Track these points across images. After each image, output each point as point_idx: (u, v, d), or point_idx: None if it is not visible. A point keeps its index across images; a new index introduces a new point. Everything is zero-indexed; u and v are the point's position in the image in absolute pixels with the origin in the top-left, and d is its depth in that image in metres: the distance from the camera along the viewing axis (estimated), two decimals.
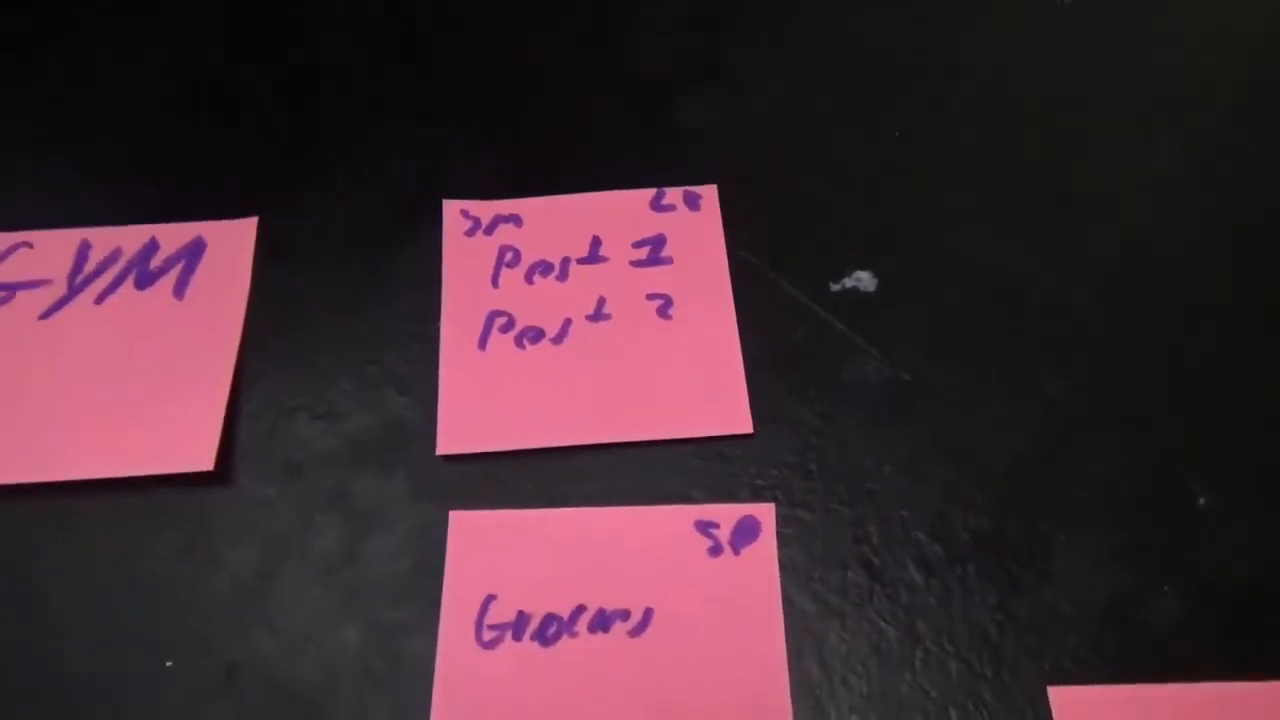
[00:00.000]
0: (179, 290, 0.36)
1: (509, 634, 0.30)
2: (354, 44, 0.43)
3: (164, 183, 0.39)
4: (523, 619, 0.30)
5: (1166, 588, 0.31)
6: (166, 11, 0.44)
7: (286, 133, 0.40)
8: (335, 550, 0.32)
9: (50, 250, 0.37)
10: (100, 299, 0.36)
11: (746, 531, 0.32)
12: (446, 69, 0.42)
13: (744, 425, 0.33)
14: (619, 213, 0.38)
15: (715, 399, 0.34)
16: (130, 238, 0.37)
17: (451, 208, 0.38)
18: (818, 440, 0.33)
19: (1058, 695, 0.29)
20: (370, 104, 0.41)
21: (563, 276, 0.36)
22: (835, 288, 0.36)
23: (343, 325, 0.36)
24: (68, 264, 0.36)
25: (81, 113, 0.41)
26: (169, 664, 0.30)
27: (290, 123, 0.40)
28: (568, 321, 0.35)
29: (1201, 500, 0.32)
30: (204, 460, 0.32)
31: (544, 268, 0.36)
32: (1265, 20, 0.43)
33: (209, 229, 0.37)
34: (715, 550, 0.31)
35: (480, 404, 0.34)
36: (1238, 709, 0.29)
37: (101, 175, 0.39)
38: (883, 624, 0.30)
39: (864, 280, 0.36)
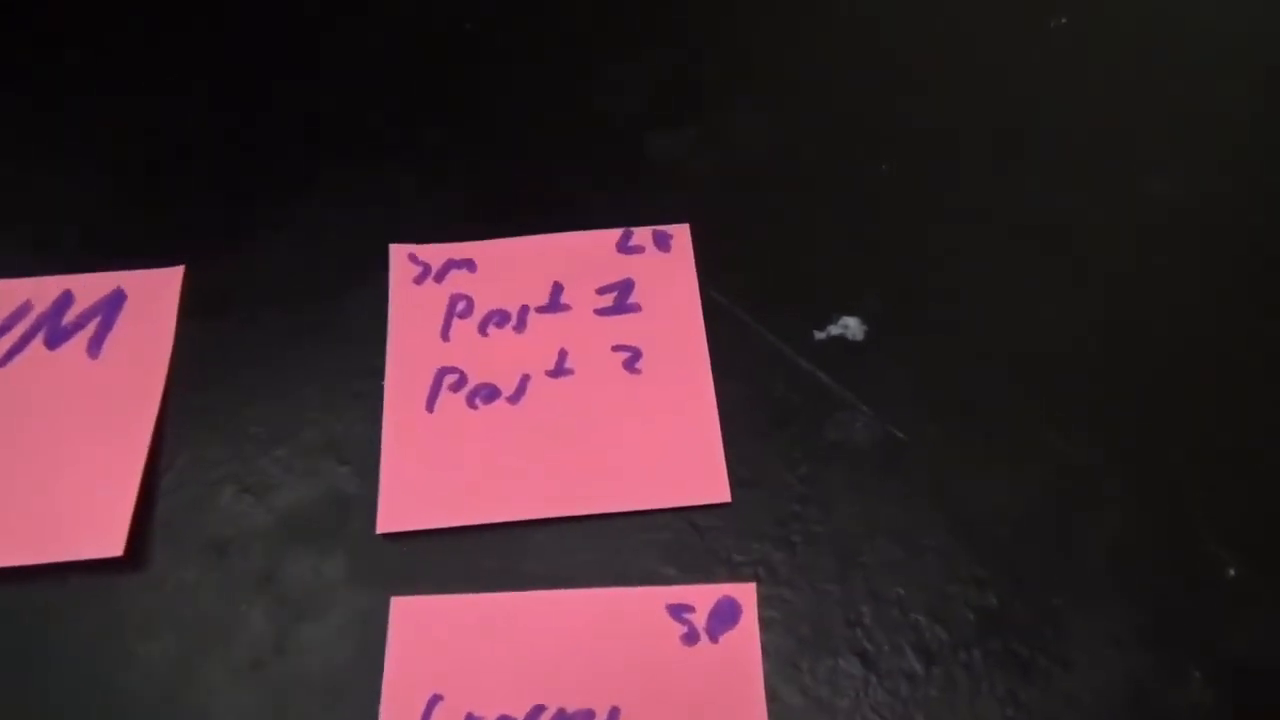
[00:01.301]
0: (93, 348, 0.32)
1: None
2: (295, 78, 0.39)
3: (82, 229, 0.35)
4: None
5: (1196, 673, 0.27)
6: (95, 49, 0.40)
7: (219, 175, 0.37)
8: (263, 642, 0.28)
9: None
10: (4, 360, 0.32)
11: (725, 615, 0.28)
12: (396, 103, 0.39)
13: (721, 494, 0.30)
14: (582, 255, 0.34)
15: (689, 464, 0.30)
16: (41, 290, 0.34)
17: (399, 252, 0.34)
18: (802, 508, 0.30)
19: None
20: (313, 142, 0.38)
21: (520, 327, 0.33)
22: (820, 336, 0.33)
23: (277, 384, 0.32)
24: None
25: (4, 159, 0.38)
26: None
27: (223, 164, 0.37)
28: (525, 378, 0.32)
29: (1232, 571, 0.29)
30: (114, 545, 0.29)
31: (500, 318, 0.33)
32: (1260, 41, 0.41)
33: (129, 279, 0.34)
34: (690, 637, 0.28)
35: (427, 474, 0.30)
36: None
37: (11, 222, 0.36)
38: (873, 707, 0.27)
39: (851, 327, 0.33)
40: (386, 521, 0.29)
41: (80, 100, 0.39)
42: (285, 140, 0.38)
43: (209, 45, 0.40)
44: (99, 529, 0.29)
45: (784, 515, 0.30)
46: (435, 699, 0.27)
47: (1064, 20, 0.40)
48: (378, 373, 0.32)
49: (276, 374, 0.33)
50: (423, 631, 0.28)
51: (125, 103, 0.39)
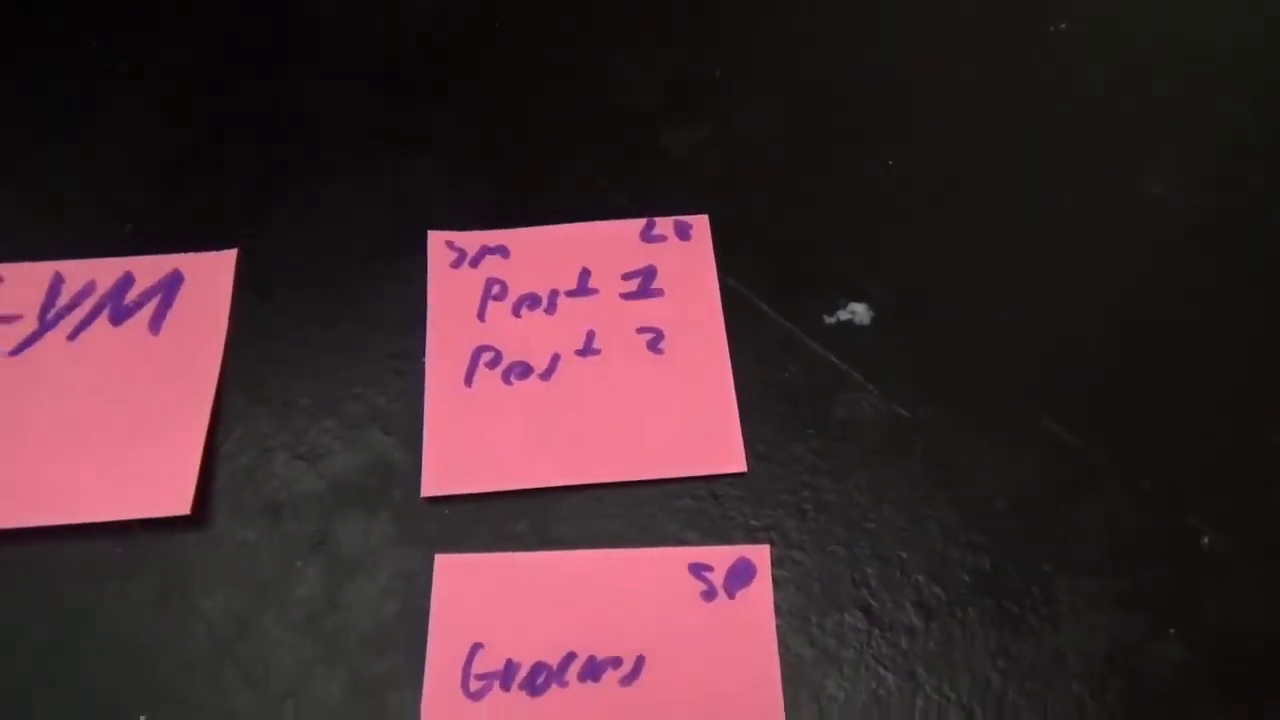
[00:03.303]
0: (155, 325, 0.35)
1: (496, 684, 0.29)
2: (338, 77, 0.42)
3: (141, 216, 0.38)
4: (511, 668, 0.29)
5: (1171, 632, 0.30)
6: (143, 48, 0.43)
7: (268, 165, 0.39)
8: (317, 597, 0.31)
9: (21, 284, 0.36)
10: (73, 335, 0.35)
11: (741, 574, 0.31)
12: (433, 102, 0.41)
13: (737, 464, 0.32)
14: (608, 243, 0.37)
15: (708, 437, 0.33)
16: (105, 271, 0.36)
17: (436, 239, 0.37)
18: (813, 479, 0.32)
19: None
20: (356, 137, 0.40)
21: (551, 309, 0.35)
22: (829, 320, 0.35)
23: (325, 361, 0.35)
24: (39, 298, 0.35)
25: (55, 147, 0.40)
26: (142, 719, 0.29)
27: (273, 155, 0.39)
28: (556, 357, 0.34)
29: (1206, 540, 0.31)
30: (181, 504, 0.31)
31: (532, 301, 0.36)
32: (1259, 39, 0.43)
33: (186, 262, 0.36)
34: (709, 594, 0.30)
35: (466, 443, 0.33)
36: None
37: (76, 208, 0.38)
38: (882, 670, 0.29)
39: (859, 313, 0.35)
40: (430, 486, 0.32)
41: (124, 94, 0.41)
42: (322, 131, 0.40)
43: (246, 39, 0.43)
44: (168, 489, 0.31)
45: (796, 485, 0.32)
46: (476, 647, 0.30)
47: (1063, 26, 0.43)
48: (417, 351, 0.35)
49: (322, 351, 0.35)
50: (464, 587, 0.31)
51: (170, 96, 0.41)
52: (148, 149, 0.39)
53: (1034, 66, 0.42)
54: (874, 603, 0.30)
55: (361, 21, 0.43)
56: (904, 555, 0.31)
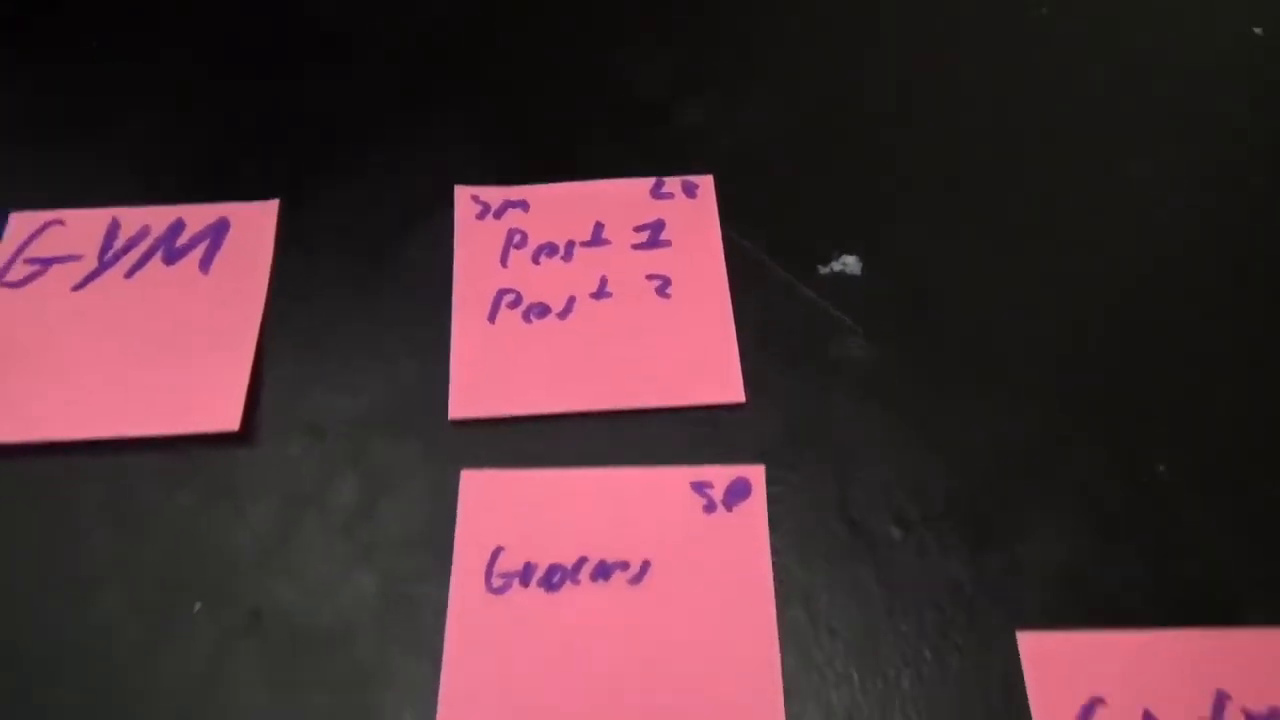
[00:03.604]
0: (204, 265, 0.38)
1: (516, 581, 0.32)
2: (372, 44, 0.45)
3: (192, 171, 0.41)
4: (529, 568, 0.32)
5: (1128, 548, 0.33)
6: (193, 9, 0.46)
7: (308, 125, 0.42)
8: (353, 507, 0.34)
9: (81, 228, 0.39)
10: (130, 273, 0.38)
11: (738, 491, 0.34)
12: (461, 71, 0.44)
13: (737, 395, 0.36)
14: (621, 199, 0.40)
15: (710, 370, 0.36)
16: (158, 217, 0.39)
17: (463, 193, 0.40)
18: (805, 410, 0.36)
19: (1026, 641, 0.31)
20: (388, 101, 0.43)
21: (567, 257, 0.39)
22: (823, 271, 0.39)
23: (360, 302, 0.38)
24: (98, 241, 0.39)
25: (113, 102, 0.43)
26: (198, 607, 0.32)
27: (311, 117, 0.43)
28: (572, 299, 0.38)
29: (1161, 468, 0.35)
30: (230, 421, 0.34)
31: (550, 249, 0.39)
32: (1256, 41, 0.46)
33: (233, 210, 0.39)
34: (709, 508, 0.34)
35: (490, 372, 0.36)
36: (1187, 652, 0.31)
37: (131, 161, 0.41)
38: (863, 575, 0.33)
39: (850, 264, 0.39)
40: (457, 410, 0.35)
41: (186, 62, 0.45)
42: (354, 99, 0.44)
43: (305, 17, 0.46)
44: (218, 407, 0.34)
45: (789, 414, 0.35)
46: (498, 550, 0.33)
47: (1044, 10, 0.46)
48: (445, 293, 0.38)
49: (358, 293, 0.38)
50: (487, 498, 0.34)
51: (224, 68, 0.45)
52: (201, 112, 0.43)
53: (1029, 45, 0.45)
54: (857, 517, 0.34)
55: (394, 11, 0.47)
56: (886, 478, 0.34)
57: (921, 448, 0.35)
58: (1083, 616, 0.32)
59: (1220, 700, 0.31)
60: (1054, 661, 0.31)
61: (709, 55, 0.45)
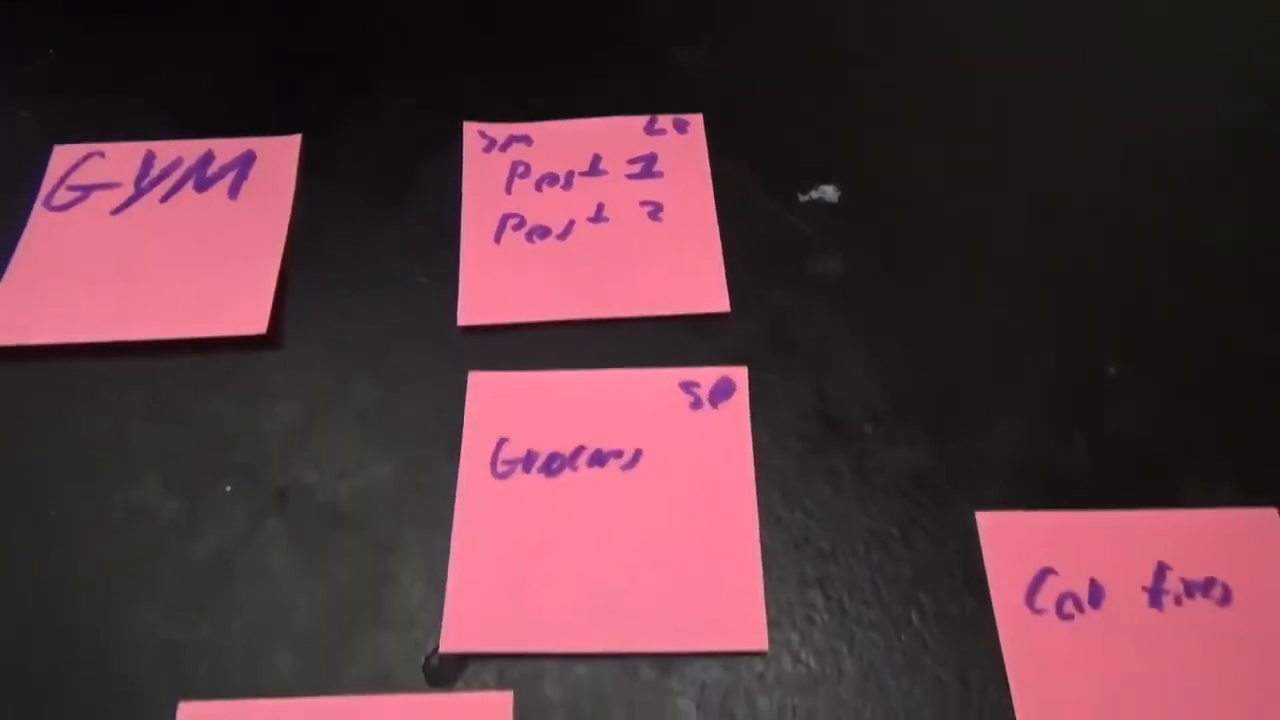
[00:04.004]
0: (233, 192, 0.41)
1: (519, 468, 0.35)
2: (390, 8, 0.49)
3: (222, 109, 0.44)
4: (531, 456, 0.35)
5: (1080, 440, 0.36)
6: None
7: (326, 66, 0.46)
8: (370, 403, 0.37)
9: (119, 160, 0.42)
10: (164, 199, 0.41)
11: (723, 389, 0.37)
12: (472, 17, 0.48)
13: (722, 305, 0.39)
14: (617, 135, 0.43)
15: (697, 283, 0.39)
16: (189, 150, 0.42)
17: (470, 129, 0.43)
18: (785, 320, 0.39)
19: (984, 519, 0.34)
20: (402, 43, 0.47)
21: (567, 186, 0.42)
22: (803, 198, 0.42)
23: (376, 225, 0.41)
24: (135, 170, 0.42)
25: (146, 49, 0.46)
26: (228, 489, 0.35)
27: (329, 58, 0.46)
28: (571, 222, 0.41)
29: (1111, 370, 0.38)
30: (258, 324, 0.37)
31: (551, 179, 0.42)
32: None
33: (258, 144, 0.43)
34: (696, 405, 0.37)
35: (496, 285, 0.39)
36: (1130, 530, 0.34)
37: (163, 102, 0.44)
38: (836, 462, 0.36)
39: (828, 193, 0.42)
40: (465, 317, 0.38)
41: (207, 7, 0.48)
42: (370, 41, 0.47)
43: None
44: (247, 312, 0.38)
45: (771, 323, 0.39)
46: (502, 441, 0.36)
47: None
48: (454, 218, 0.41)
49: (374, 218, 0.41)
50: (493, 396, 0.37)
51: (252, 11, 0.48)
52: (229, 55, 0.46)
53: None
54: (832, 413, 0.37)
55: None
56: (859, 379, 0.37)
57: (891, 352, 0.38)
58: (1036, 500, 0.35)
59: (1160, 570, 0.34)
60: (1009, 538, 0.34)
61: (706, 5, 0.48)
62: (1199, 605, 0.33)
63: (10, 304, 0.38)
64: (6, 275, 0.39)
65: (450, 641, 0.32)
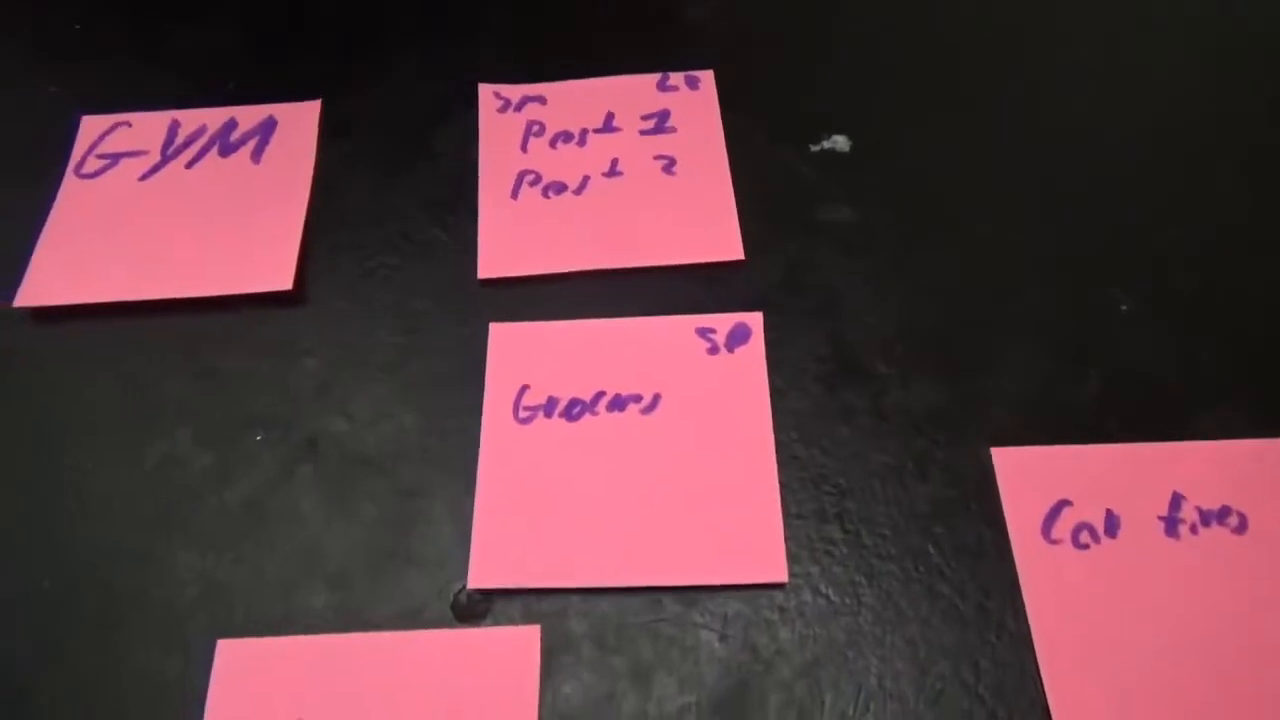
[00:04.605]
0: (256, 156, 0.42)
1: (540, 413, 0.36)
2: None
3: (240, 76, 0.45)
4: (552, 402, 0.36)
5: (1092, 374, 0.36)
6: None
7: (345, 32, 0.47)
8: (395, 354, 0.38)
9: (146, 128, 0.43)
10: (190, 164, 0.42)
11: (739, 334, 0.37)
12: None
13: (736, 253, 0.39)
14: (629, 92, 0.44)
15: (712, 232, 0.40)
16: (213, 118, 0.43)
17: (486, 90, 0.44)
18: (798, 266, 0.39)
19: (999, 454, 0.35)
20: (418, 8, 0.47)
21: (582, 143, 0.42)
22: (814, 149, 0.42)
23: (395, 186, 0.42)
24: (160, 138, 0.43)
25: (166, 19, 0.47)
26: (259, 437, 0.36)
27: (348, 24, 0.47)
28: (586, 177, 0.41)
29: (1124, 307, 0.38)
30: (284, 280, 0.38)
31: (565, 136, 0.43)
32: None
33: (279, 110, 0.44)
34: (713, 350, 0.37)
35: (514, 238, 0.40)
36: (1146, 462, 0.34)
37: (186, 71, 0.45)
38: (851, 402, 0.36)
39: (839, 143, 0.42)
40: (484, 270, 0.39)
41: None
42: (387, 7, 0.48)
43: None
44: (273, 269, 0.39)
45: (783, 270, 0.39)
46: (524, 388, 0.36)
47: None
48: (472, 177, 0.42)
49: (394, 177, 0.42)
50: (514, 346, 0.37)
51: None
52: (249, 24, 0.47)
53: None
54: (846, 354, 0.37)
55: None
56: (872, 320, 0.38)
57: (903, 294, 0.38)
58: (1051, 436, 0.35)
59: (1176, 500, 0.34)
60: (1025, 472, 0.35)
61: None
62: (1215, 533, 0.34)
63: (45, 267, 0.39)
64: (41, 240, 0.40)
65: (478, 578, 0.33)
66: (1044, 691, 0.31)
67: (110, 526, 0.35)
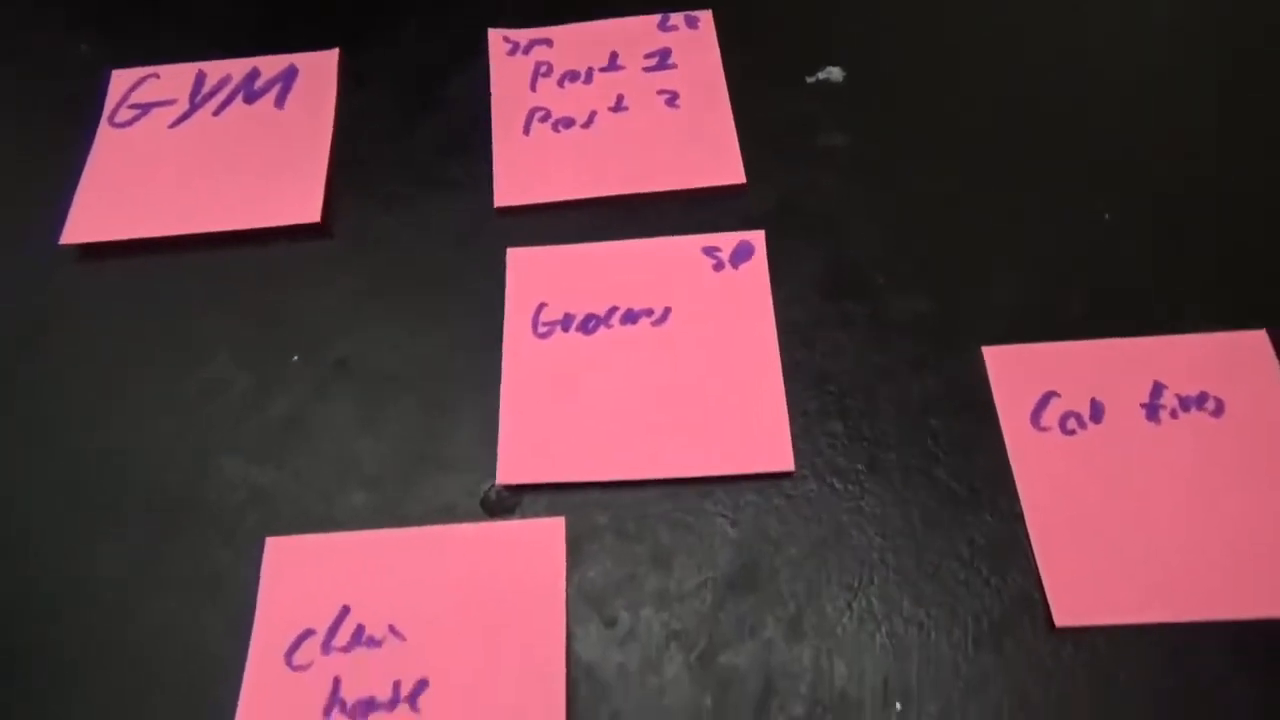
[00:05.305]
0: (279, 103, 0.44)
1: (558, 328, 0.38)
2: None
3: (263, 29, 0.47)
4: (568, 318, 0.38)
5: (1075, 281, 0.39)
6: None
7: None
8: (417, 280, 0.40)
9: (173, 79, 0.46)
10: (217, 112, 0.44)
11: (743, 252, 0.40)
12: None
13: (738, 177, 0.41)
14: (632, 33, 0.46)
15: (714, 158, 0.42)
16: (237, 68, 0.46)
17: (495, 34, 0.46)
18: (797, 189, 0.41)
19: (990, 353, 0.37)
20: None
21: (588, 81, 0.45)
22: (810, 80, 0.44)
23: (413, 128, 0.44)
24: (188, 88, 0.45)
25: None
26: (295, 358, 0.38)
27: None
28: (593, 113, 0.44)
29: (1106, 216, 0.40)
30: (312, 213, 0.41)
31: (572, 75, 0.45)
32: None
33: (300, 59, 0.46)
34: (718, 266, 0.39)
35: (527, 169, 0.42)
36: (1128, 355, 0.37)
37: (212, 24, 0.48)
38: (850, 311, 0.38)
39: (834, 74, 0.44)
40: (500, 198, 0.41)
41: None
42: None
43: None
44: (302, 203, 0.41)
45: (784, 192, 0.41)
46: (542, 305, 0.39)
47: None
48: (484, 116, 0.44)
49: (407, 117, 0.44)
50: (530, 269, 0.40)
51: None
52: None
53: None
54: (845, 270, 0.39)
55: None
56: (869, 238, 0.40)
57: (897, 213, 0.41)
58: (1039, 336, 0.37)
59: (1157, 388, 0.36)
60: (1014, 368, 0.37)
61: None
62: (1193, 417, 0.36)
63: (87, 208, 0.41)
64: (81, 184, 0.42)
65: (505, 474, 0.35)
66: (1034, 562, 0.33)
67: (161, 441, 0.37)
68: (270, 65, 0.46)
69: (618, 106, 0.44)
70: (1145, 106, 0.43)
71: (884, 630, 0.33)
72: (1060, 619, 0.32)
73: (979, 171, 0.42)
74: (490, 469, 0.36)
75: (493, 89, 0.45)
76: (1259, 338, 0.37)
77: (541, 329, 0.38)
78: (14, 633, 0.34)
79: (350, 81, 0.46)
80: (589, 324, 0.38)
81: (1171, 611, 0.32)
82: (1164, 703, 0.31)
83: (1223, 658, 0.32)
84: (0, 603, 0.34)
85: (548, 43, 0.46)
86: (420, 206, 0.42)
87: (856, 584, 0.33)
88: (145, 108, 0.45)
